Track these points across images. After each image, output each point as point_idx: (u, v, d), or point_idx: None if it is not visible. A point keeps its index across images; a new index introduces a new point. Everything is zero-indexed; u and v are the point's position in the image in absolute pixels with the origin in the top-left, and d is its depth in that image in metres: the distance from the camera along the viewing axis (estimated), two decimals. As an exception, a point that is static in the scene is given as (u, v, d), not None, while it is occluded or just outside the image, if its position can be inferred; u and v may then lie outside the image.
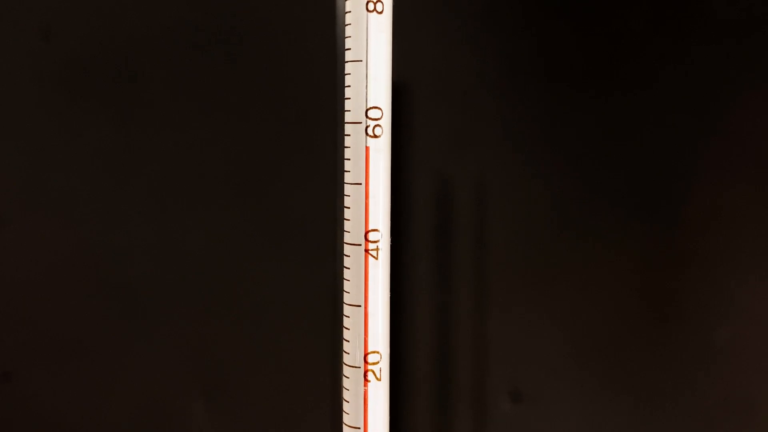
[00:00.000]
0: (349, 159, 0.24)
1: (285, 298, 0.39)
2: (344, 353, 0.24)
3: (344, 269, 0.24)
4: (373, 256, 0.24)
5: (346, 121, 0.24)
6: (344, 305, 0.24)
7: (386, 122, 0.24)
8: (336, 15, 0.37)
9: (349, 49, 0.24)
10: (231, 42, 0.39)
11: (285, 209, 0.39)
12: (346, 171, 0.24)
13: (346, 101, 0.24)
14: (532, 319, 0.40)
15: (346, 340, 0.24)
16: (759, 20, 0.40)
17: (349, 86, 0.24)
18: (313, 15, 0.38)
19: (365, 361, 0.24)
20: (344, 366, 0.24)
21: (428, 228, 0.39)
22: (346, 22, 0.24)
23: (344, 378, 0.24)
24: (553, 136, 0.40)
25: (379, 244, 0.24)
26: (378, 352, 0.24)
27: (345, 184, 0.24)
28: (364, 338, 0.24)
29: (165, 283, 0.39)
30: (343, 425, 0.24)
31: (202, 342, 0.39)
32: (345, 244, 0.24)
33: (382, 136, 0.24)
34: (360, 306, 0.24)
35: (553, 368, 0.41)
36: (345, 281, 0.24)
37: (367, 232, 0.24)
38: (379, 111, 0.24)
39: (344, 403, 0.24)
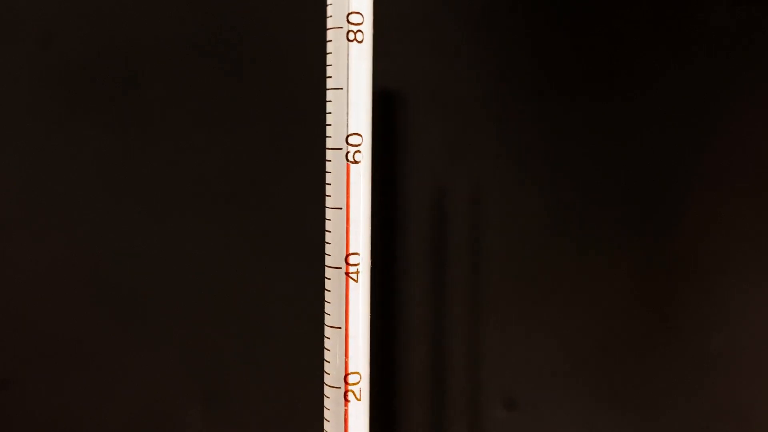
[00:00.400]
0: (330, 184, 0.25)
1: (284, 304, 0.39)
2: (325, 374, 0.25)
3: (325, 291, 0.25)
4: (353, 279, 0.24)
5: (327, 146, 0.25)
6: (325, 327, 0.25)
7: (366, 148, 0.25)
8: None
9: (330, 77, 0.24)
10: (230, 50, 0.39)
11: (284, 214, 0.39)
12: (327, 195, 0.25)
13: (327, 127, 0.25)
14: (528, 328, 0.40)
15: (327, 361, 0.25)
16: (758, 26, 0.40)
17: (330, 113, 0.25)
18: (313, 16, 0.38)
19: (345, 382, 0.24)
20: (325, 386, 0.25)
21: (423, 236, 0.40)
22: (327, 51, 0.24)
23: (325, 398, 0.25)
24: (549, 144, 0.40)
25: (360, 267, 0.24)
26: (358, 373, 0.24)
27: (326, 209, 0.25)
28: (345, 359, 0.24)
29: (163, 289, 0.39)
30: (325, 444, 0.25)
31: (201, 348, 0.40)
32: (326, 267, 0.25)
33: (362, 162, 0.24)
34: (340, 328, 0.24)
35: (548, 377, 0.41)
36: (326, 303, 0.25)
37: (347, 256, 0.24)
38: (360, 137, 0.24)
39: (325, 422, 0.25)
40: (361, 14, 0.24)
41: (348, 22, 0.24)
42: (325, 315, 0.25)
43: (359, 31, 0.24)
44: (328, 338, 0.25)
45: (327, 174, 0.25)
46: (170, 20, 0.39)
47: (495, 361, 0.40)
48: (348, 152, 0.24)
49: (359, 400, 0.24)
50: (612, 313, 0.41)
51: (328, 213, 0.25)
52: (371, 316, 0.25)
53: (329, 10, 0.24)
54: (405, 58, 0.39)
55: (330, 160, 0.25)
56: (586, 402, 0.41)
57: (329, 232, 0.25)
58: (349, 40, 0.24)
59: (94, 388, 0.40)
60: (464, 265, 0.40)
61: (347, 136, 0.24)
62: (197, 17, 0.39)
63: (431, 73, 0.40)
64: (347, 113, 0.24)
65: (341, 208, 0.24)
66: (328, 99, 0.25)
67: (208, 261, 0.39)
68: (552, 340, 0.41)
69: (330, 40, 0.24)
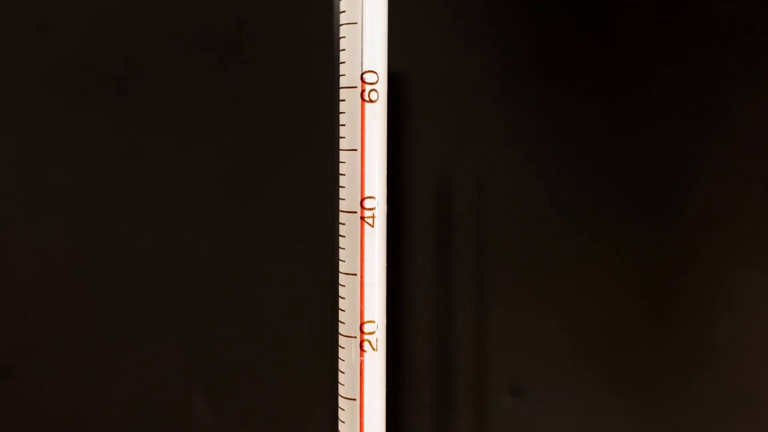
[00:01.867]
0: (344, 125, 0.24)
1: (285, 295, 0.39)
2: (340, 323, 0.24)
3: (339, 237, 0.24)
4: (369, 224, 0.23)
5: (340, 85, 0.24)
6: (339, 274, 0.24)
7: (382, 87, 0.23)
8: (334, 14, 0.37)
9: (343, 11, 0.23)
10: (230, 41, 0.38)
11: (285, 206, 0.39)
12: (341, 137, 0.24)
13: (340, 65, 0.23)
14: (533, 315, 0.40)
15: (342, 310, 0.24)
16: (760, 21, 0.39)
17: (344, 50, 0.23)
18: (312, 14, 0.38)
19: (361, 331, 0.23)
20: (340, 336, 0.24)
21: (429, 224, 0.39)
22: (341, -16, 0.23)
23: (340, 348, 0.24)
24: (553, 134, 0.40)
25: (375, 212, 0.23)
26: (374, 322, 0.23)
27: (340, 151, 0.24)
28: (360, 307, 0.23)
29: (166, 280, 0.39)
30: (339, 397, 0.24)
31: (203, 338, 0.39)
32: (340, 212, 0.24)
33: (378, 101, 0.23)
34: (356, 275, 0.23)
35: (554, 363, 0.40)
36: (340, 250, 0.24)
37: (362, 199, 0.23)
38: (375, 75, 0.23)
39: (340, 374, 0.24)
40: (376, -56, 0.23)
41: (363, -49, 0.23)
42: (340, 262, 0.24)
43: (375, -38, 0.23)
44: (343, 286, 0.24)
45: (341, 115, 0.24)
46: (170, 12, 0.38)
47: (501, 347, 0.40)
48: (363, 90, 0.23)
49: (375, 350, 0.23)
50: (618, 300, 0.40)
51: (342, 155, 0.24)
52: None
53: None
54: (410, 44, 0.38)
55: (344, 100, 0.23)
56: (591, 389, 0.41)
57: (343, 175, 0.24)
58: (364, -29, 0.23)
59: (97, 378, 0.39)
60: (469, 254, 0.39)
61: (362, 74, 0.23)
62: (198, 9, 0.38)
63: (436, 60, 0.39)
64: (362, 49, 0.23)
65: (356, 150, 0.23)
66: (341, 35, 0.23)
67: (211, 253, 0.39)
68: (558, 328, 0.40)
69: (344, -28, 0.23)
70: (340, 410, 0.24)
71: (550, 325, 0.40)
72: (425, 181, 0.39)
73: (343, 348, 0.24)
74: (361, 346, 0.23)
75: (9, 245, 0.39)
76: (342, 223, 0.24)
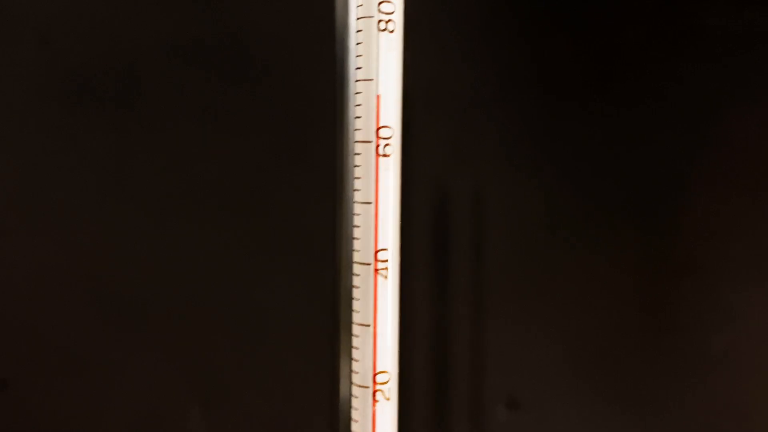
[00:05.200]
0: (359, 178, 0.24)
1: (283, 309, 0.39)
2: (353, 373, 0.24)
3: (353, 288, 0.24)
4: (383, 276, 0.24)
5: (355, 140, 0.24)
6: (353, 325, 0.24)
7: (396, 141, 0.24)
8: (335, 29, 0.37)
9: (359, 68, 0.24)
10: (231, 55, 0.38)
11: (283, 219, 0.39)
12: (356, 190, 0.24)
13: (356, 120, 0.24)
14: (529, 329, 0.40)
15: (355, 360, 0.24)
16: (755, 33, 0.40)
17: (359, 105, 0.24)
18: (312, 28, 0.38)
19: (374, 381, 0.24)
20: (353, 386, 0.24)
21: (425, 238, 0.39)
22: (357, 41, 0.24)
23: (353, 398, 0.24)
24: (550, 147, 0.40)
25: (389, 264, 0.24)
26: (387, 372, 0.24)
27: (354, 203, 0.24)
28: (373, 358, 0.24)
29: (163, 293, 0.39)
30: (352, 445, 0.24)
31: (200, 352, 0.39)
32: (354, 264, 0.24)
33: (392, 156, 0.24)
34: (369, 326, 0.24)
35: (550, 377, 0.40)
36: (354, 300, 0.24)
37: (376, 252, 0.24)
38: (390, 130, 0.24)
39: (353, 422, 0.24)
40: (391, 2, 0.23)
41: (379, 11, 0.23)
42: (353, 312, 0.24)
43: (390, 20, 0.23)
44: (356, 336, 0.24)
45: (356, 168, 0.24)
46: (171, 23, 0.38)
47: (497, 360, 0.40)
48: (378, 145, 0.23)
49: (388, 399, 0.24)
50: (614, 313, 0.40)
51: (357, 208, 0.24)
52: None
53: (359, -1, 0.24)
54: (407, 62, 0.39)
55: (359, 154, 0.24)
56: (588, 401, 0.41)
57: (358, 227, 0.24)
58: (379, 29, 0.23)
59: (93, 391, 0.39)
60: (466, 266, 0.40)
61: (377, 129, 0.24)
62: (199, 20, 0.38)
63: (434, 76, 0.39)
64: (377, 105, 0.24)
65: (370, 203, 0.24)
66: (357, 91, 0.24)
67: (208, 267, 0.39)
68: (554, 340, 0.40)
69: (360, 30, 0.24)
70: (352, 458, 0.24)
71: (547, 340, 0.40)
72: (422, 195, 0.39)
73: (357, 397, 0.24)
74: (374, 396, 0.24)
75: (5, 257, 0.39)
76: (356, 275, 0.24)
